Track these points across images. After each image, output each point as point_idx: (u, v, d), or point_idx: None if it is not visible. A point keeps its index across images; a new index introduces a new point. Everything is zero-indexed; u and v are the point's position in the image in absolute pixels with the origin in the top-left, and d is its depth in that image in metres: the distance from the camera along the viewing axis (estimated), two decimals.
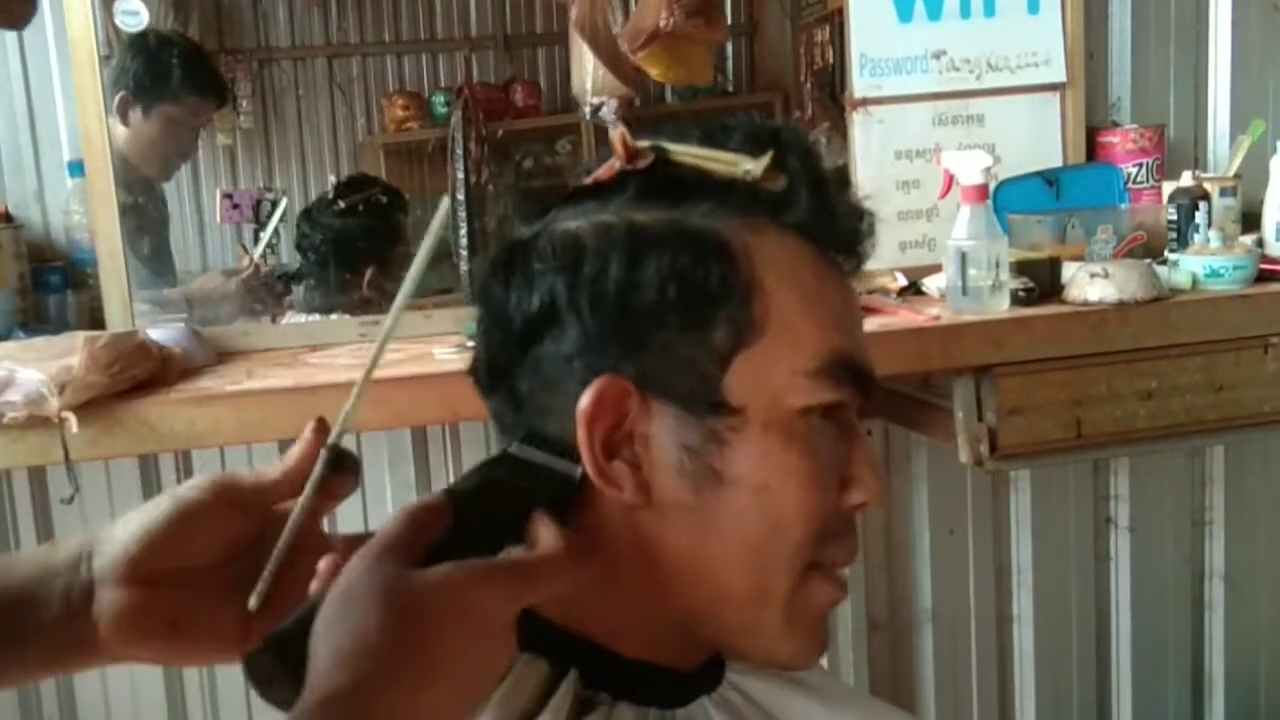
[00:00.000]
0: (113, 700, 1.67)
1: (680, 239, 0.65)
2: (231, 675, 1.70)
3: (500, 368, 0.68)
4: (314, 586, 0.59)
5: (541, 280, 0.65)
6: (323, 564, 0.60)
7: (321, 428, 0.66)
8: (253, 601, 0.64)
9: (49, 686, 1.66)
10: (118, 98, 1.83)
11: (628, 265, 0.64)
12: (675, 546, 0.66)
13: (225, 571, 0.66)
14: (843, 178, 0.71)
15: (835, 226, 0.69)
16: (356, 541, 0.59)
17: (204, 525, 0.66)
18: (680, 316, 0.64)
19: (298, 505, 0.65)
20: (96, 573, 0.65)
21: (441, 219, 0.64)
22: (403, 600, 0.55)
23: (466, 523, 0.60)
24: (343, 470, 0.65)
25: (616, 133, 0.67)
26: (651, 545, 0.66)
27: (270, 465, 0.68)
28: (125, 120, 1.85)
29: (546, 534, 0.61)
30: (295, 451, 0.67)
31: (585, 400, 0.63)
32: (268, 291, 1.96)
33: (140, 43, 1.86)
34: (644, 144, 0.68)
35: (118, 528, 0.66)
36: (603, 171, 0.68)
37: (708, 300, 0.64)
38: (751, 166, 0.66)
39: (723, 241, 0.65)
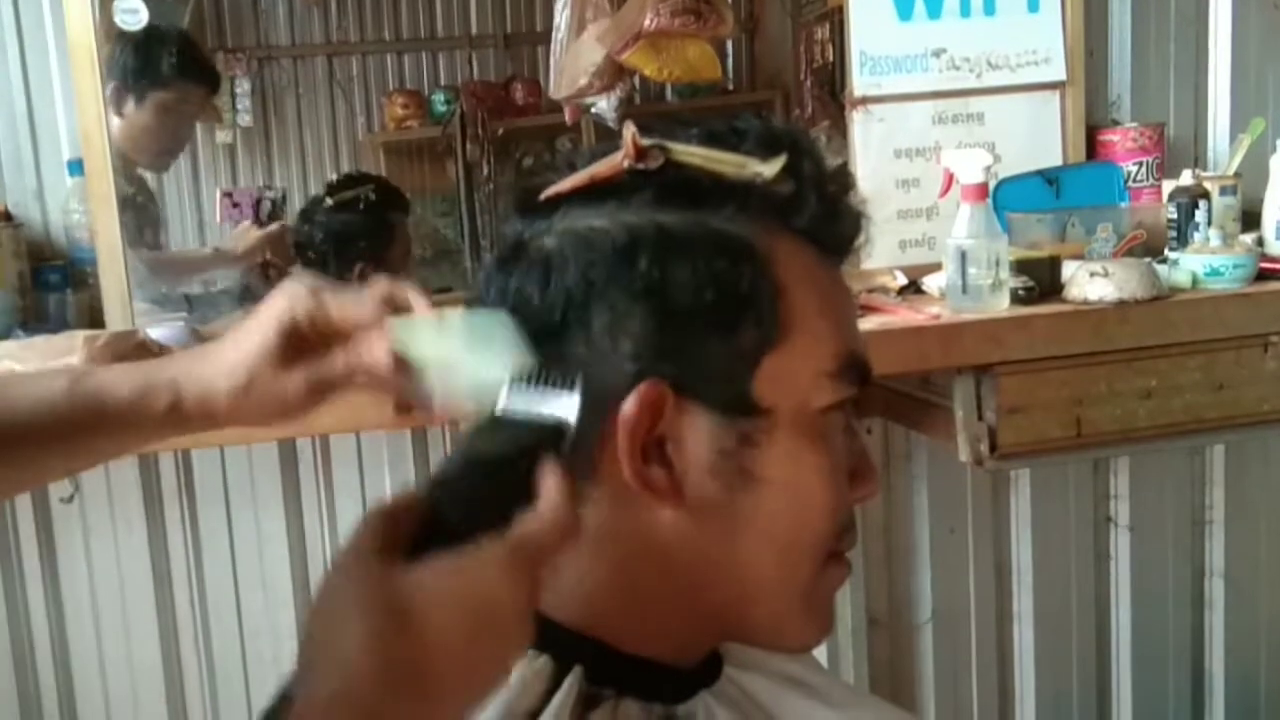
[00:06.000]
0: (113, 701, 1.67)
1: (711, 242, 0.64)
2: (231, 674, 1.70)
3: None
4: None
5: (563, 278, 0.64)
6: None
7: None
8: None
9: (49, 687, 1.66)
10: (110, 88, 1.82)
11: (662, 268, 0.63)
12: (703, 547, 0.66)
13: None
14: (847, 181, 0.71)
15: (838, 230, 0.70)
16: None
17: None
18: (715, 319, 0.64)
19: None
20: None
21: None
22: (391, 603, 0.50)
23: (453, 507, 0.55)
24: None
25: (629, 131, 0.66)
26: (675, 547, 0.66)
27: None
28: (120, 111, 1.84)
29: (550, 486, 0.55)
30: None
31: (630, 407, 0.62)
32: (287, 251, 2.05)
33: (129, 34, 1.87)
34: (648, 143, 0.66)
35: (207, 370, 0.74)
36: (604, 169, 0.67)
37: (739, 303, 0.64)
38: (762, 169, 0.66)
39: (750, 245, 0.65)
